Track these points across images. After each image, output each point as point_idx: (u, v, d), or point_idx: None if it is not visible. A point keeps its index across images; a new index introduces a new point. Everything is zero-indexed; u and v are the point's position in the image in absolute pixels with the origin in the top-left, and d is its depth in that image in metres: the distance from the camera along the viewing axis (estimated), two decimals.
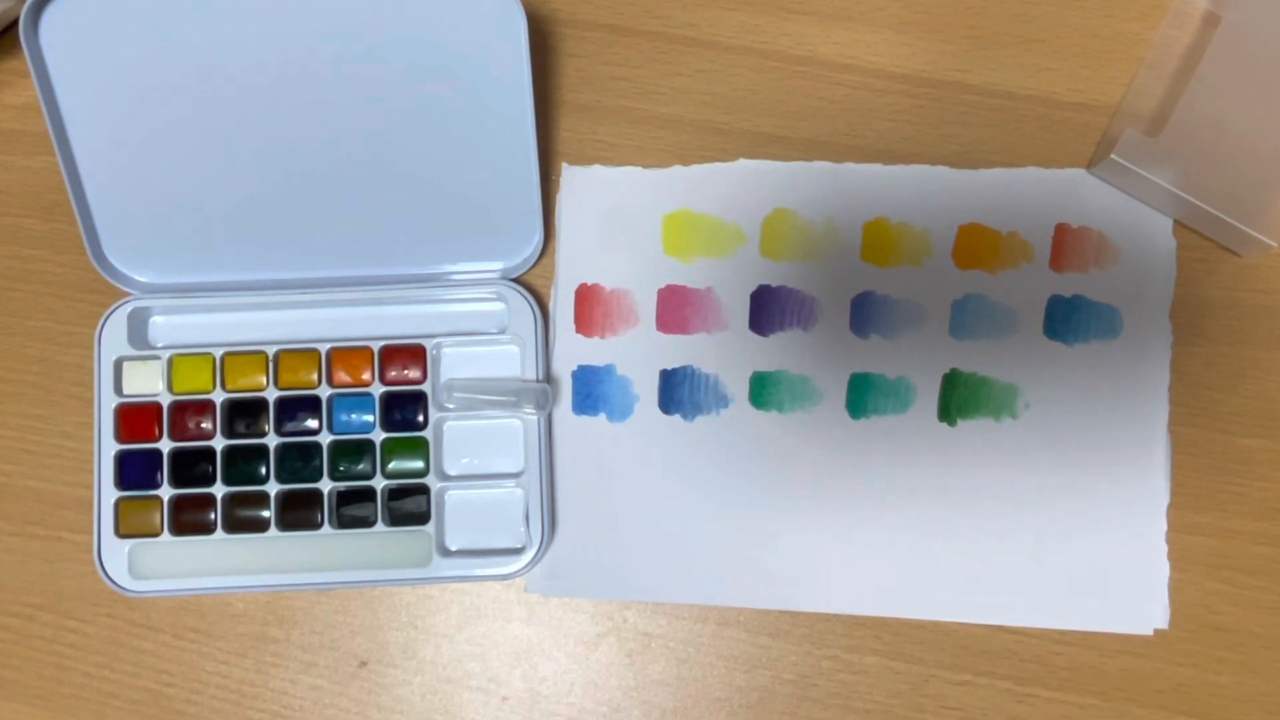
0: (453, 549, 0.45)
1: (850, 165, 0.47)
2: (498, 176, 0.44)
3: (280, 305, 0.46)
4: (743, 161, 0.47)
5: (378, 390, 0.45)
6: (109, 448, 0.44)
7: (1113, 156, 0.44)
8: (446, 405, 0.45)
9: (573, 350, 0.46)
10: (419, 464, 0.45)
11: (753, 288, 0.46)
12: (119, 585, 0.44)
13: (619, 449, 0.46)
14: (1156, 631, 0.44)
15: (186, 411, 0.45)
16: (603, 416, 0.46)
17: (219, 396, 0.45)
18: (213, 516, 0.44)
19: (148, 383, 0.45)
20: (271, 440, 0.45)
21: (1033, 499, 0.45)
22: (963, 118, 0.48)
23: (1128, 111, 0.47)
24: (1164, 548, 0.45)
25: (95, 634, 0.45)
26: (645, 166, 0.47)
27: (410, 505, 0.45)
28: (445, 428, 0.45)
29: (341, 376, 0.45)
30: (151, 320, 0.46)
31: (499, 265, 0.46)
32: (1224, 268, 0.46)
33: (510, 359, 0.46)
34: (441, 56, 0.42)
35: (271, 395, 0.45)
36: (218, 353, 0.45)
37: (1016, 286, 0.46)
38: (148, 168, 0.43)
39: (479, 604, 0.45)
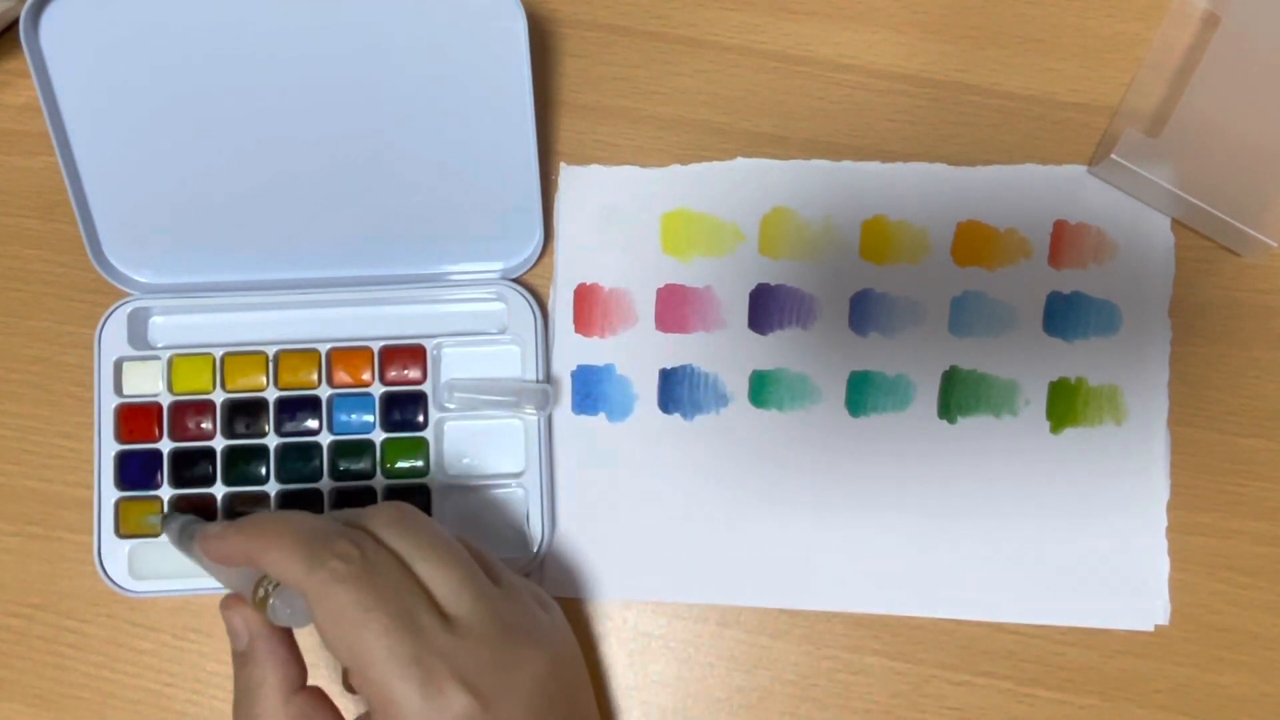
0: None
1: (848, 163, 0.47)
2: (498, 177, 0.44)
3: (280, 305, 0.46)
4: (740, 160, 0.47)
5: (378, 390, 0.45)
6: (109, 448, 0.44)
7: (1113, 156, 0.44)
8: (447, 405, 0.45)
9: (572, 350, 0.46)
10: (419, 464, 0.45)
11: (751, 286, 0.46)
12: (119, 585, 0.44)
13: (619, 448, 0.46)
14: (1157, 629, 0.44)
15: (186, 412, 0.45)
16: (602, 416, 0.46)
17: (219, 397, 0.45)
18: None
19: (148, 383, 0.45)
20: (271, 440, 0.45)
21: (1033, 495, 0.45)
22: (963, 118, 0.48)
23: (1128, 111, 0.47)
24: (1164, 543, 0.45)
25: (95, 634, 0.45)
26: (644, 166, 0.47)
27: None
28: (445, 428, 0.45)
29: (341, 376, 0.45)
30: (151, 320, 0.46)
31: (499, 265, 0.46)
32: (1224, 267, 0.46)
33: (510, 359, 0.46)
34: (441, 56, 0.42)
35: (271, 395, 0.45)
36: (218, 353, 0.45)
37: (1015, 283, 0.46)
38: (148, 168, 0.44)
39: None
